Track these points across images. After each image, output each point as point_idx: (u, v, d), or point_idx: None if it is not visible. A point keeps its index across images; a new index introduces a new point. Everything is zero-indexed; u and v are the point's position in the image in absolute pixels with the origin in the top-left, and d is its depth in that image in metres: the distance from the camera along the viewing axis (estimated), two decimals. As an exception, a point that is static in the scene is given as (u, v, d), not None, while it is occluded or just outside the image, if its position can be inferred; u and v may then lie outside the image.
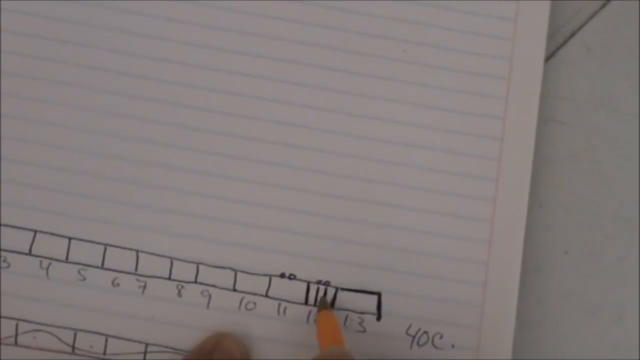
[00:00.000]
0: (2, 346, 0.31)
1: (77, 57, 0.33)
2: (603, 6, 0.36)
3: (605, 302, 0.34)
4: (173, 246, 0.32)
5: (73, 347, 0.32)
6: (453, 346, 0.32)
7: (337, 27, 0.34)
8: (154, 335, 0.32)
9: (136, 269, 0.32)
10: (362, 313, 0.33)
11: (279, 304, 0.32)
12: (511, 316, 0.32)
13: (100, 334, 0.32)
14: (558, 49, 0.36)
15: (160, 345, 0.32)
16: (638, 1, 0.36)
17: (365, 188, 0.33)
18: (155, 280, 0.32)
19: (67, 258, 0.32)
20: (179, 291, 0.32)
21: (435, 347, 0.32)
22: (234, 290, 0.32)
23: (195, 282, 0.32)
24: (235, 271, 0.32)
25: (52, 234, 0.32)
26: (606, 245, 0.34)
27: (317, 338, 0.31)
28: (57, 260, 0.32)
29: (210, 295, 0.32)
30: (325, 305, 0.32)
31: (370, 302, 0.33)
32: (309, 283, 0.33)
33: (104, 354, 0.32)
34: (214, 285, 0.32)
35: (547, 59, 0.36)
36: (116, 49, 0.33)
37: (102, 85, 0.33)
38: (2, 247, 0.32)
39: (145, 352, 0.32)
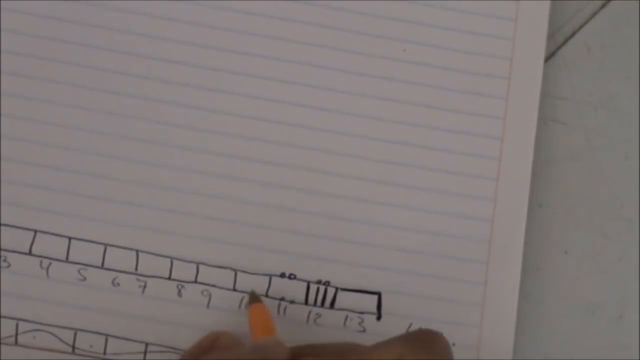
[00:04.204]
0: (2, 346, 0.31)
1: (77, 57, 0.33)
2: (603, 6, 0.36)
3: (605, 302, 0.34)
4: (173, 246, 0.32)
5: (73, 347, 0.32)
6: (453, 345, 0.32)
7: (337, 27, 0.34)
8: (154, 335, 0.32)
9: (136, 269, 0.32)
10: (362, 313, 0.32)
11: (279, 304, 0.32)
12: (511, 316, 0.32)
13: (100, 333, 0.32)
14: (558, 49, 0.36)
15: (160, 345, 0.32)
16: (638, 1, 0.36)
17: (365, 188, 0.33)
18: (155, 280, 0.32)
19: (67, 258, 0.32)
20: (179, 291, 0.32)
21: (436, 347, 0.32)
22: (234, 290, 0.32)
23: (195, 282, 0.32)
24: (235, 271, 0.32)
25: (52, 234, 0.32)
26: (606, 245, 0.34)
27: (249, 332, 0.30)
28: (57, 260, 0.32)
29: (210, 295, 0.32)
30: (256, 297, 0.31)
31: (370, 302, 0.33)
32: (309, 283, 0.33)
33: (104, 353, 0.31)
34: (214, 285, 0.32)
35: (547, 59, 0.36)
36: (116, 49, 0.33)
37: (102, 85, 0.33)
38: (2, 247, 0.32)
39: (145, 352, 0.32)
